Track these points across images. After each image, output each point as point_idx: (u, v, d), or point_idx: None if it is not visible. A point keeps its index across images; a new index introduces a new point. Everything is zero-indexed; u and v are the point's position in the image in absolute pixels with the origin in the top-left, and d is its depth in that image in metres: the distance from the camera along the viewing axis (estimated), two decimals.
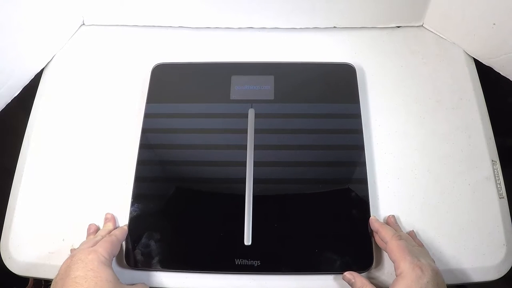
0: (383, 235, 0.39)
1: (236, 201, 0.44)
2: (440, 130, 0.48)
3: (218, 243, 0.43)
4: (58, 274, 0.36)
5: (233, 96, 0.50)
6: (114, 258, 0.42)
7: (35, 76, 0.53)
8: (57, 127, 0.49)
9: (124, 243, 0.42)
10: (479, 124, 0.48)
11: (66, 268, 0.35)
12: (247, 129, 0.47)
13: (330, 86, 0.51)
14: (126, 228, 0.43)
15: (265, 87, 0.50)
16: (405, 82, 0.51)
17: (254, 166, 0.45)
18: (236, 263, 0.41)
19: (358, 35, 0.55)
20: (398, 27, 0.56)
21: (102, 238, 0.40)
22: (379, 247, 0.42)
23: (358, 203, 0.44)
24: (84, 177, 0.46)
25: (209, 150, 0.47)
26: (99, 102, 0.51)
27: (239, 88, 0.50)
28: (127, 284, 0.38)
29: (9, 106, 0.51)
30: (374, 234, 0.42)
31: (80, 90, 0.52)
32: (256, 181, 0.44)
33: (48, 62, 0.54)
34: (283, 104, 0.49)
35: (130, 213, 0.44)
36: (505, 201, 0.45)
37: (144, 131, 0.48)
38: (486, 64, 0.52)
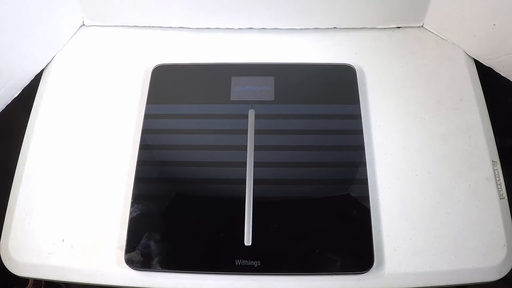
0: None
1: (236, 201, 0.44)
2: (441, 131, 0.48)
3: (218, 243, 0.43)
4: None
5: (233, 97, 0.50)
6: (114, 259, 0.42)
7: (35, 76, 0.53)
8: (57, 128, 0.49)
9: (124, 243, 0.42)
10: (479, 125, 0.48)
11: None
12: (247, 129, 0.47)
13: (330, 87, 0.51)
14: None
15: (265, 88, 0.50)
16: (405, 83, 0.51)
17: (254, 167, 0.45)
18: (236, 263, 0.41)
19: (358, 35, 0.55)
20: (398, 27, 0.56)
21: None
22: (379, 247, 0.41)
23: (359, 204, 0.44)
24: (84, 177, 0.46)
25: (209, 151, 0.47)
26: (99, 103, 0.51)
27: (239, 89, 0.50)
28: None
29: (9, 106, 0.51)
30: None
31: (80, 90, 0.52)
32: (256, 182, 0.44)
33: (48, 63, 0.54)
34: (283, 105, 0.49)
35: (130, 213, 0.44)
36: (505, 201, 0.45)
37: (144, 132, 0.48)
38: (486, 65, 0.52)
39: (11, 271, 0.43)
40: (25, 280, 0.61)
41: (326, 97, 0.50)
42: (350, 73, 0.51)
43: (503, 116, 0.54)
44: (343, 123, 0.48)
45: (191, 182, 0.46)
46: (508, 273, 0.42)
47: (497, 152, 0.47)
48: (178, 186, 0.46)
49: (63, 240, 0.43)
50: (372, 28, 0.56)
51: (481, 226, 0.43)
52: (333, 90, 0.51)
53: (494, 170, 0.46)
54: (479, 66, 0.52)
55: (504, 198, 0.45)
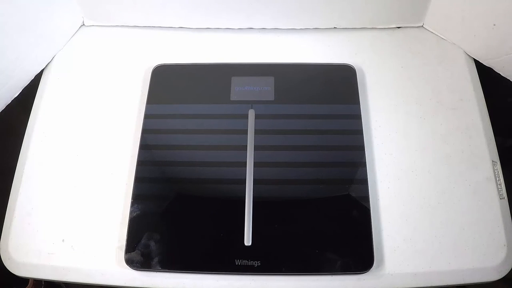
0: None
1: (236, 201, 0.44)
2: (441, 131, 0.48)
3: (218, 243, 0.43)
4: None
5: (233, 97, 0.50)
6: (114, 259, 0.42)
7: (35, 76, 0.53)
8: (57, 128, 0.49)
9: (124, 243, 0.42)
10: (479, 125, 0.48)
11: None
12: (247, 129, 0.47)
13: (330, 87, 0.51)
14: None
15: (265, 88, 0.50)
16: (405, 83, 0.51)
17: (254, 167, 0.45)
18: (236, 263, 0.41)
19: (358, 35, 0.55)
20: (399, 27, 0.56)
21: None
22: (379, 247, 0.41)
23: (359, 204, 0.44)
24: (84, 177, 0.46)
25: (209, 151, 0.47)
26: (99, 103, 0.51)
27: (239, 89, 0.50)
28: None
29: (9, 106, 0.51)
30: None
31: (80, 90, 0.52)
32: (256, 182, 0.44)
33: (48, 63, 0.54)
34: (283, 105, 0.49)
35: (130, 213, 0.44)
36: (505, 201, 0.45)
37: (144, 131, 0.48)
38: (486, 65, 0.52)
39: (11, 271, 0.43)
40: (25, 280, 0.61)
41: (326, 97, 0.50)
42: (350, 73, 0.51)
43: (503, 116, 0.54)
44: (343, 123, 0.48)
45: (191, 182, 0.46)
46: (508, 273, 0.42)
47: (497, 152, 0.47)
48: (178, 186, 0.46)
49: (63, 240, 0.43)
50: (372, 28, 0.56)
51: (481, 226, 0.43)
52: (333, 90, 0.51)
53: (494, 170, 0.46)
54: (479, 66, 0.52)
55: (504, 198, 0.45)
